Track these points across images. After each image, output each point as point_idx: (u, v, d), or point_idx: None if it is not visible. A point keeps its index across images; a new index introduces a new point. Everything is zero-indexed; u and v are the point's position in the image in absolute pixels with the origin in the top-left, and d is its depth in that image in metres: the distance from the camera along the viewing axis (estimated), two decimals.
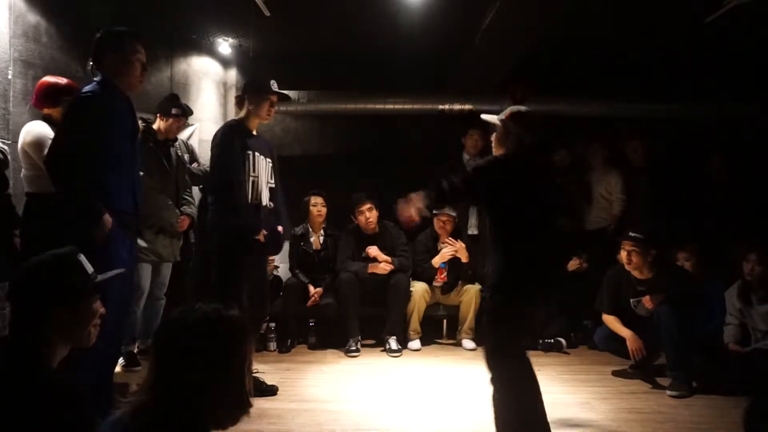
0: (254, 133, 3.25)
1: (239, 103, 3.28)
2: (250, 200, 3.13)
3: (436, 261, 4.52)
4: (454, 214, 4.62)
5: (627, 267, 3.72)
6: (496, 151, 2.59)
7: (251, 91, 3.20)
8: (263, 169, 3.21)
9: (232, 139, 3.09)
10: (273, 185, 3.32)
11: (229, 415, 1.30)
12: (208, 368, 1.24)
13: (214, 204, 3.12)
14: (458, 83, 5.60)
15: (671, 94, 5.53)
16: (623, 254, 3.72)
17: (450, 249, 4.51)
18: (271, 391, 3.28)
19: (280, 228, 3.29)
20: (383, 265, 4.42)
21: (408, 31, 4.87)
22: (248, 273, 3.14)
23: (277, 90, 3.19)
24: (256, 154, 3.17)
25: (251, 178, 3.13)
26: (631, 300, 3.76)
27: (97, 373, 2.47)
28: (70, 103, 2.63)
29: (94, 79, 2.56)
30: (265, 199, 3.23)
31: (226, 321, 1.30)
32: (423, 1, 4.35)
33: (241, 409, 1.30)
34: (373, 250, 4.47)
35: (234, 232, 3.05)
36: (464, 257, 4.52)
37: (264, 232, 3.14)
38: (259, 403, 3.05)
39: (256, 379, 3.25)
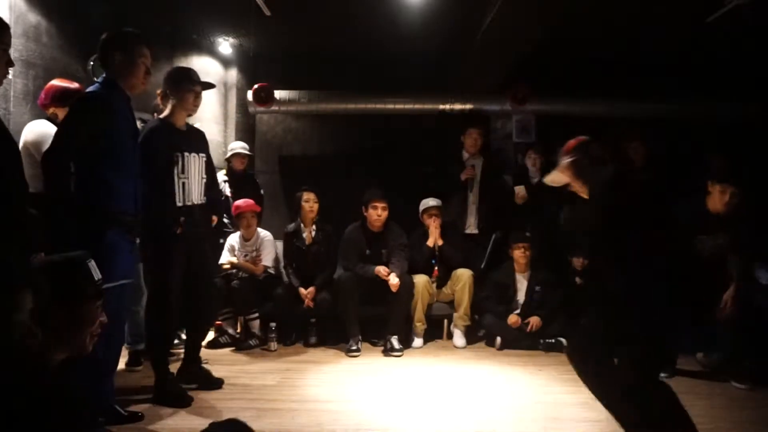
0: (183, 128, 3.09)
1: (163, 98, 3.10)
2: (179, 203, 3.00)
3: (431, 241, 4.57)
4: (440, 204, 4.68)
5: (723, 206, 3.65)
6: (582, 193, 2.59)
7: (173, 84, 3.05)
8: (195, 168, 3.07)
9: (156, 143, 2.95)
10: (206, 179, 3.17)
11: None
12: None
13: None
14: (458, 83, 5.61)
15: (671, 94, 5.54)
16: (723, 197, 3.65)
17: (435, 226, 4.57)
18: (216, 384, 3.27)
19: (214, 218, 3.40)
20: (393, 280, 4.25)
21: (408, 31, 4.87)
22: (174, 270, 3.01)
23: (199, 80, 3.09)
24: (185, 153, 3.02)
25: (181, 180, 3.00)
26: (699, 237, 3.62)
27: (96, 376, 2.48)
28: (73, 102, 2.65)
29: (95, 78, 2.57)
30: (197, 197, 3.10)
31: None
32: (423, 2, 4.36)
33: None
34: (382, 272, 4.32)
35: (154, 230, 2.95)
36: (437, 237, 4.59)
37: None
38: (259, 404, 3.07)
39: (204, 370, 3.29)
